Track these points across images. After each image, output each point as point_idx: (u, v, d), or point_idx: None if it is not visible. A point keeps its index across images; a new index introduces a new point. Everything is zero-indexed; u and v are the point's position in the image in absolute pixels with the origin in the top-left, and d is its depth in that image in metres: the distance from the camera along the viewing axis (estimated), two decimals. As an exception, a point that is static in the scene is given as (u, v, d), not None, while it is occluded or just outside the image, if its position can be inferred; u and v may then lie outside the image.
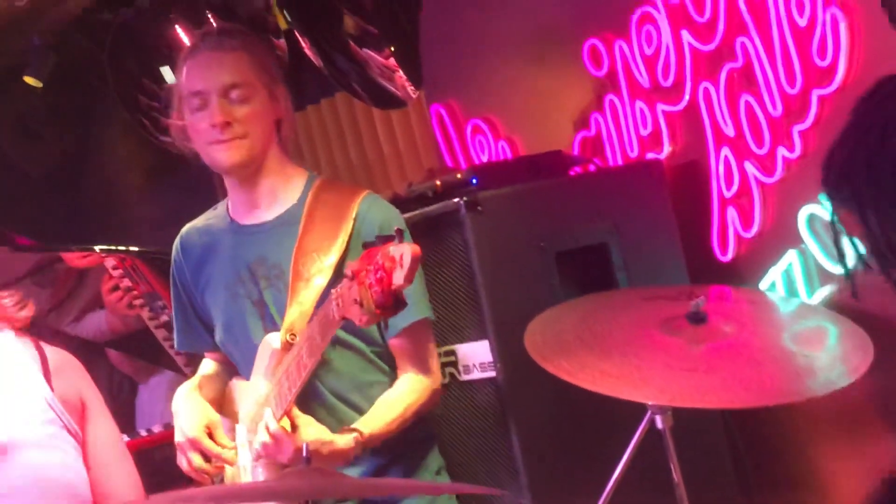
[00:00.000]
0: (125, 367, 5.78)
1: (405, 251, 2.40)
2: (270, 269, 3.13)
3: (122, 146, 6.71)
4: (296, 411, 2.90)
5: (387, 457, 3.08)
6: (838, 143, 1.97)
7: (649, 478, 3.12)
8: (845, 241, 1.99)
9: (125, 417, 5.72)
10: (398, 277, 2.40)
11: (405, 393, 3.08)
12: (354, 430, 2.94)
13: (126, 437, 4.66)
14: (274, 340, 3.03)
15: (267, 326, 3.13)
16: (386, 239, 2.46)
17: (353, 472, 2.96)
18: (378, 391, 3.10)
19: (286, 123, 3.19)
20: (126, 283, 5.03)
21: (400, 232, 2.45)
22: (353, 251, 3.04)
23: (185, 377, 4.38)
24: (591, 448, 3.41)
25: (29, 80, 5.96)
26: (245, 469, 3.14)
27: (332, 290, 2.66)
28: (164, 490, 4.49)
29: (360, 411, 3.07)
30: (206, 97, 3.07)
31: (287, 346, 2.98)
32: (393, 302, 2.43)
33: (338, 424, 2.99)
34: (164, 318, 4.92)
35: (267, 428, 2.89)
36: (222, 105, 3.06)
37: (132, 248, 4.98)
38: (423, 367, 3.13)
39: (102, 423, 3.28)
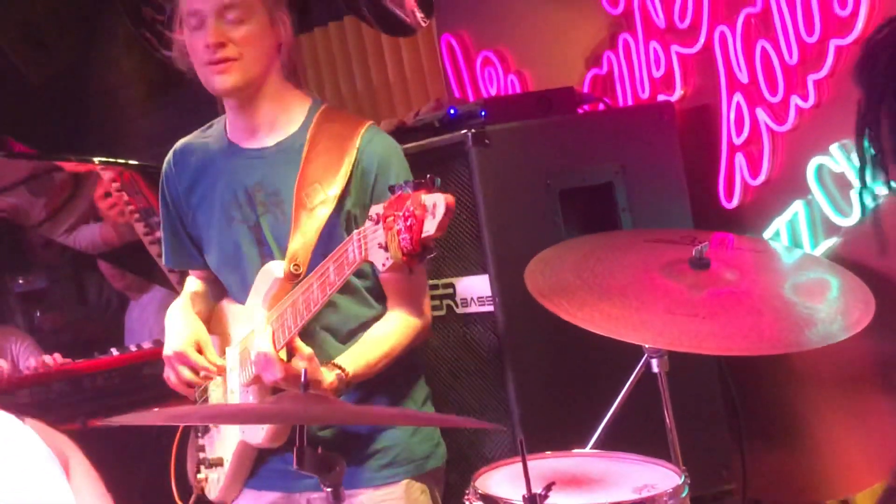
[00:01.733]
0: (117, 282, 5.77)
1: (438, 200, 2.36)
2: (269, 195, 3.09)
3: (125, 59, 6.67)
4: (298, 343, 2.87)
5: (370, 386, 3.05)
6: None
7: (642, 420, 3.13)
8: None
9: (115, 332, 5.73)
10: (430, 226, 2.37)
11: (393, 331, 3.06)
12: (339, 367, 2.93)
13: (115, 351, 4.68)
14: (276, 269, 2.99)
15: (263, 252, 3.11)
16: (417, 185, 2.42)
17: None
18: (367, 326, 3.08)
19: (287, 48, 3.13)
20: (123, 196, 5.00)
21: (433, 178, 2.41)
22: (354, 183, 3.02)
23: (178, 295, 4.37)
24: (585, 388, 3.40)
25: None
26: (233, 392, 3.12)
27: (355, 231, 2.62)
28: (151, 406, 4.52)
29: (348, 345, 3.05)
30: (203, 17, 3.01)
31: (290, 275, 2.95)
32: (421, 250, 2.40)
33: (323, 356, 2.97)
34: (160, 234, 4.89)
35: (260, 349, 2.87)
36: (218, 25, 3.00)
37: (131, 162, 4.95)
38: (415, 306, 3.10)
39: (86, 482, 3.21)
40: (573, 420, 3.26)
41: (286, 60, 3.14)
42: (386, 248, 2.48)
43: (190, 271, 3.41)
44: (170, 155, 3.31)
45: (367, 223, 2.56)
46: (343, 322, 3.08)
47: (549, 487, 2.20)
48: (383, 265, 2.51)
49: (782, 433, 3.86)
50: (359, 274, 3.06)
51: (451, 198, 2.38)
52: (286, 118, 3.13)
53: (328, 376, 2.89)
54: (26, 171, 5.10)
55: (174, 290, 4.96)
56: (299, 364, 2.84)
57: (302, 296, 2.84)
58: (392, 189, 2.50)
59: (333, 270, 2.73)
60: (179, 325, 3.18)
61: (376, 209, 2.52)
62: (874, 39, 2.99)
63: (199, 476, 3.24)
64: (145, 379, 4.53)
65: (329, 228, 2.96)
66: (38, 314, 6.01)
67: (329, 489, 2.24)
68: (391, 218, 2.45)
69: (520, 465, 2.38)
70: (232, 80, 3.02)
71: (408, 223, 2.40)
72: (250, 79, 3.04)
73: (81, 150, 5.70)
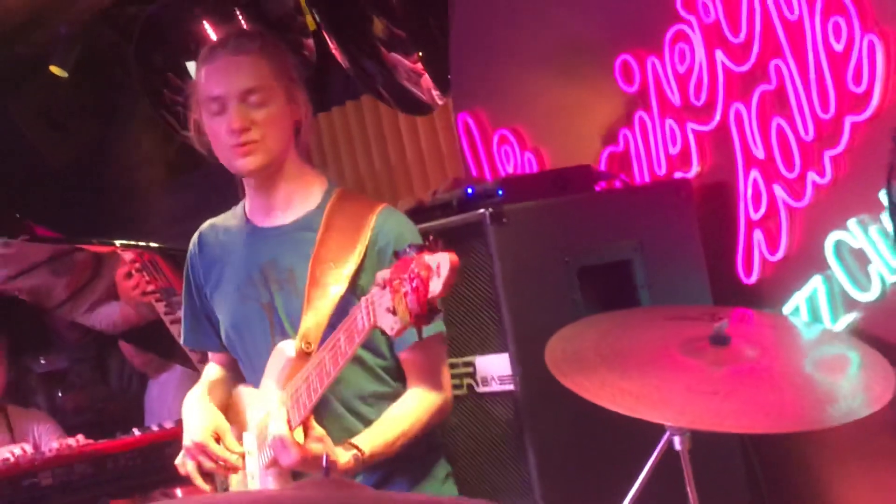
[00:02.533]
0: (137, 361, 5.79)
1: (442, 260, 2.38)
2: (282, 272, 3.12)
3: (145, 140, 6.72)
4: (312, 422, 2.88)
5: (391, 465, 3.06)
6: None
7: (665, 498, 3.10)
8: None
9: (135, 412, 5.74)
10: (435, 286, 2.39)
11: (412, 409, 3.06)
12: (355, 446, 2.93)
13: (137, 432, 4.68)
14: (288, 348, 3.00)
15: (275, 331, 3.12)
16: (420, 248, 2.44)
17: (356, 479, 2.93)
18: (385, 404, 3.08)
19: (305, 126, 3.17)
20: (144, 277, 5.03)
21: (436, 241, 2.43)
22: (368, 262, 3.04)
23: (199, 374, 4.37)
24: (607, 467, 3.38)
25: (54, 69, 5.97)
26: (253, 477, 3.12)
27: (363, 298, 2.64)
28: (174, 487, 4.51)
29: (367, 422, 3.05)
30: (225, 102, 3.05)
31: (302, 354, 2.96)
32: (428, 311, 2.42)
33: (343, 433, 2.97)
34: (180, 313, 4.91)
35: (276, 432, 2.87)
36: (240, 109, 3.04)
37: (151, 244, 4.98)
38: (434, 383, 3.10)
39: None
40: (595, 498, 3.24)
41: (304, 138, 3.18)
42: (394, 312, 2.49)
43: (209, 356, 3.42)
44: (195, 236, 3.35)
45: (374, 289, 2.58)
46: (359, 399, 3.09)
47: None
48: (392, 329, 2.53)
49: (806, 508, 3.84)
50: (375, 353, 3.07)
51: (454, 256, 2.40)
52: (303, 197, 3.16)
53: (343, 456, 2.89)
54: (48, 252, 5.14)
55: (195, 370, 4.97)
56: (314, 447, 2.84)
57: (315, 370, 2.84)
58: (396, 255, 2.52)
59: (344, 340, 2.74)
60: (198, 415, 3.19)
61: (382, 275, 2.54)
62: None
63: (222, 564, 3.23)
64: (168, 459, 4.50)
65: (342, 306, 2.97)
66: (60, 394, 6.02)
67: (352, 575, 2.22)
68: (397, 281, 2.46)
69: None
70: (256, 161, 3.06)
71: (413, 285, 2.41)
72: (272, 159, 3.08)
73: (101, 230, 5.74)
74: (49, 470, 4.43)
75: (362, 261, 3.03)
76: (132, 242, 4.93)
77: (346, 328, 2.73)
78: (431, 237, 2.46)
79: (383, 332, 2.60)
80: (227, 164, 3.11)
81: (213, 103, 3.08)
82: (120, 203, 6.97)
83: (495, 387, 3.52)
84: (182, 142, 5.05)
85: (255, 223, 3.21)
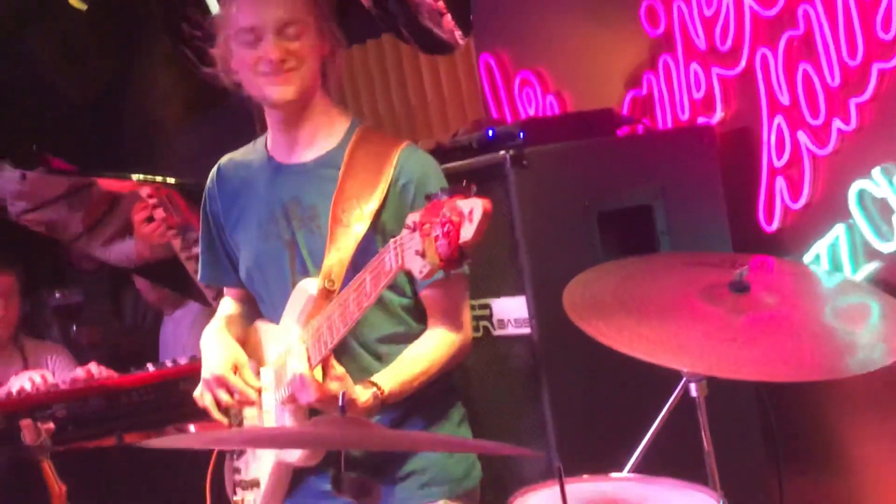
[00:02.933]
0: (151, 297, 5.79)
1: (476, 205, 2.36)
2: (305, 210, 3.10)
3: (164, 76, 6.69)
4: (332, 362, 2.87)
5: (407, 406, 3.05)
6: None
7: (679, 445, 3.09)
8: None
9: (149, 347, 5.74)
10: (467, 232, 2.37)
11: (432, 348, 3.05)
12: (375, 384, 2.92)
13: (151, 367, 4.68)
14: (311, 286, 2.99)
15: (297, 269, 3.11)
16: (452, 192, 2.42)
17: (373, 420, 2.92)
18: (404, 345, 3.07)
19: (333, 62, 3.15)
20: (160, 212, 5.01)
21: (469, 185, 2.40)
22: (390, 200, 3.02)
23: (213, 310, 4.36)
24: (622, 411, 3.38)
25: (74, 2, 5.92)
26: (269, 412, 3.11)
27: (391, 241, 2.62)
28: (188, 422, 4.52)
29: (387, 362, 3.04)
30: (260, 33, 3.03)
31: (325, 292, 2.95)
32: (459, 256, 2.39)
33: (361, 373, 2.96)
34: (196, 250, 4.89)
35: (296, 369, 2.86)
36: (277, 41, 3.02)
37: (169, 179, 4.96)
38: (455, 323, 3.09)
39: None
40: (610, 443, 3.23)
41: (331, 75, 3.15)
42: (423, 255, 2.47)
43: (225, 291, 3.41)
44: (214, 170, 3.33)
45: (404, 231, 2.56)
46: (377, 339, 3.07)
47: (588, 515, 2.18)
48: (420, 272, 2.51)
49: (820, 458, 3.83)
50: (397, 292, 3.06)
51: (487, 203, 2.37)
52: (326, 134, 3.14)
53: (363, 394, 2.89)
54: (64, 187, 5.12)
55: (210, 305, 4.97)
56: (333, 385, 2.84)
57: (338, 310, 2.83)
58: (428, 197, 2.50)
59: (370, 281, 2.72)
60: (217, 348, 3.18)
61: (413, 217, 2.52)
62: None
63: (235, 498, 3.24)
64: (181, 395, 4.52)
65: (365, 245, 2.96)
66: (75, 328, 6.03)
67: (366, 514, 2.22)
68: (428, 225, 2.44)
69: (556, 488, 2.36)
70: (290, 92, 3.04)
71: (445, 229, 2.39)
72: (305, 91, 3.07)
73: (120, 166, 5.72)
74: (63, 403, 4.43)
75: (385, 198, 3.01)
76: (149, 177, 4.91)
77: (372, 269, 2.71)
78: (465, 181, 2.44)
79: (410, 275, 2.58)
80: (259, 95, 3.09)
81: (247, 34, 3.05)
82: (138, 138, 6.95)
83: (511, 330, 3.51)
84: (201, 78, 5.01)
85: (278, 159, 3.19)
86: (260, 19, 3.03)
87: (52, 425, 3.77)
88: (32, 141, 5.01)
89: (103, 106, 6.79)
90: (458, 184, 2.45)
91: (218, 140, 3.73)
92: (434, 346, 3.05)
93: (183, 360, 4.75)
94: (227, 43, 3.11)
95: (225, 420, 3.20)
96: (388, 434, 2.65)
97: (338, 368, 2.87)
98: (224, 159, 3.34)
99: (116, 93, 6.85)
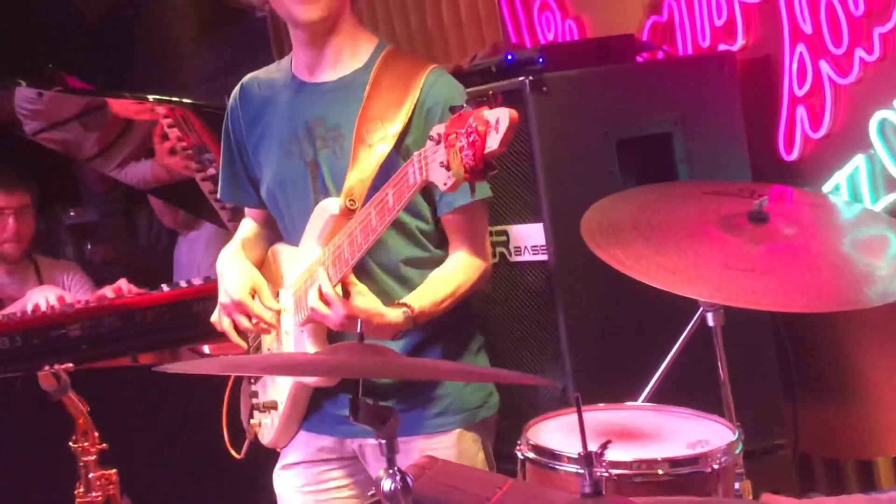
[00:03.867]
0: (166, 218, 5.79)
1: (502, 115, 2.33)
2: (329, 129, 3.08)
3: (179, -7, 6.63)
4: (352, 278, 2.87)
5: (426, 332, 3.05)
6: None
7: (695, 374, 3.10)
8: None
9: (164, 267, 5.75)
10: (493, 141, 2.34)
11: (457, 271, 3.04)
12: (405, 304, 2.92)
13: (166, 287, 4.70)
14: (332, 205, 2.98)
15: (318, 188, 3.09)
16: (479, 103, 2.39)
17: (393, 346, 2.92)
18: (425, 271, 3.07)
19: None
20: (175, 132, 5.00)
21: (495, 95, 2.38)
22: (415, 122, 3.00)
23: (228, 232, 4.36)
24: (638, 340, 3.38)
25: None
26: (288, 334, 3.12)
27: (415, 154, 2.60)
28: (202, 343, 4.54)
29: (407, 285, 3.04)
30: None
31: (346, 211, 2.93)
32: (484, 166, 2.37)
33: (382, 297, 2.95)
34: (212, 171, 4.90)
35: (320, 289, 2.86)
36: None
37: (184, 100, 4.94)
38: (478, 248, 3.08)
39: None
40: (626, 372, 3.24)
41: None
42: (448, 167, 2.45)
43: (246, 212, 3.40)
44: (237, 89, 3.31)
45: (429, 143, 2.54)
46: (396, 262, 3.06)
47: (605, 446, 2.18)
48: (445, 184, 2.49)
49: (835, 389, 3.83)
50: (417, 216, 3.05)
51: (514, 112, 2.34)
52: (352, 54, 3.12)
53: (393, 313, 2.89)
54: (79, 106, 5.11)
55: (224, 227, 4.97)
56: (359, 300, 2.84)
57: (359, 226, 2.81)
58: (453, 109, 2.47)
59: (393, 196, 2.70)
60: (234, 272, 3.18)
61: (437, 129, 2.50)
62: None
63: (252, 421, 3.25)
64: (196, 315, 4.54)
65: (387, 165, 2.94)
66: (89, 247, 6.03)
67: (383, 441, 2.23)
68: (453, 136, 2.42)
69: (572, 415, 2.36)
70: (317, 10, 3.01)
71: (470, 139, 2.36)
72: (332, 11, 3.03)
73: (134, 85, 5.69)
74: (78, 322, 4.45)
75: (409, 120, 2.99)
76: (165, 97, 4.90)
77: (395, 183, 2.69)
78: (492, 92, 2.41)
79: (434, 187, 2.56)
80: (285, 14, 3.06)
81: None
82: (153, 58, 6.90)
83: (528, 256, 3.51)
84: (216, -2, 4.98)
85: (302, 78, 3.17)
86: None
87: (70, 365, 3.78)
88: (46, 60, 4.99)
89: (119, 23, 6.74)
90: (478, 107, 2.43)
91: (234, 61, 3.72)
92: (461, 269, 3.05)
93: (197, 281, 4.77)
94: None
95: (244, 344, 3.21)
96: (406, 362, 2.66)
97: (359, 285, 2.88)
98: (247, 77, 3.31)
99: (132, 10, 6.80)
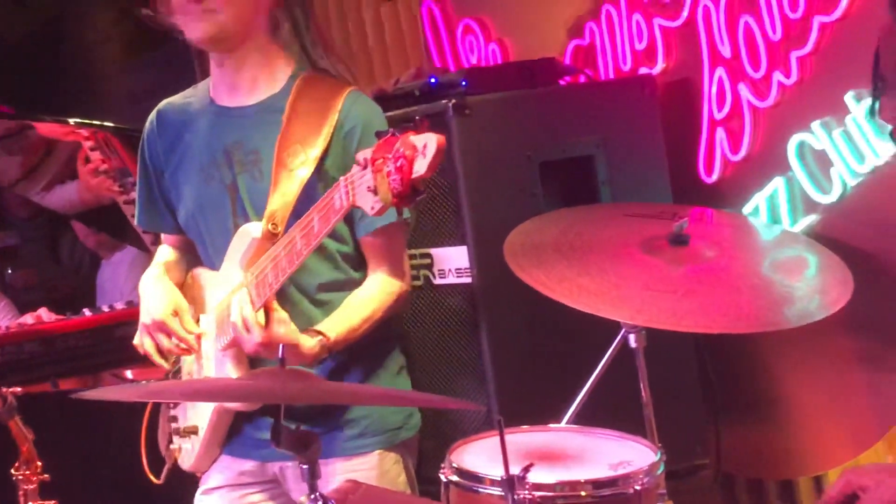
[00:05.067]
0: (90, 242, 5.73)
1: (429, 140, 2.33)
2: (247, 154, 3.06)
3: (102, 16, 6.59)
4: (275, 304, 2.86)
5: (345, 354, 3.03)
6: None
7: (618, 395, 3.12)
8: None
9: (86, 292, 5.69)
10: (421, 166, 2.34)
11: (375, 295, 3.03)
12: (320, 333, 2.91)
13: (88, 312, 4.64)
14: (254, 229, 2.96)
15: (238, 212, 3.07)
16: (405, 128, 2.39)
17: (312, 370, 2.91)
18: (342, 290, 3.05)
19: (288, 13, 3.09)
20: (98, 155, 4.96)
21: (422, 120, 2.38)
22: (334, 145, 2.99)
23: (150, 255, 4.33)
24: (562, 362, 3.40)
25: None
26: (209, 358, 3.09)
27: (341, 178, 2.59)
28: (124, 368, 4.49)
29: (325, 308, 3.03)
30: None
31: (269, 235, 2.91)
32: (411, 191, 2.37)
33: (300, 320, 2.94)
34: (134, 194, 4.86)
35: (241, 312, 2.84)
36: None
37: (106, 123, 4.91)
38: (396, 269, 3.07)
39: None
40: (549, 394, 3.25)
41: (287, 24, 3.10)
42: (375, 192, 2.44)
43: (162, 238, 3.38)
44: (153, 114, 3.28)
45: (354, 168, 2.53)
46: (317, 286, 3.05)
47: (527, 469, 2.18)
48: (372, 209, 2.47)
49: (757, 409, 3.87)
50: (337, 239, 3.04)
51: (441, 137, 2.34)
52: (268, 78, 3.10)
53: (309, 342, 2.87)
54: (1, 130, 5.05)
55: (147, 250, 4.93)
56: (278, 329, 2.82)
57: (283, 250, 2.79)
58: (379, 134, 2.46)
59: (318, 220, 2.68)
60: (156, 293, 3.15)
61: (364, 154, 2.48)
62: None
63: (171, 446, 3.22)
64: (118, 340, 4.49)
65: (308, 189, 2.93)
66: (10, 271, 5.96)
67: (305, 466, 2.21)
68: (380, 160, 2.41)
69: (495, 438, 2.36)
70: (207, 30, 2.97)
71: (398, 164, 2.35)
72: (228, 32, 3.00)
73: (57, 108, 5.64)
74: (-2, 348, 4.39)
75: (329, 143, 2.98)
76: (87, 121, 4.85)
77: (321, 208, 2.68)
78: (418, 117, 2.41)
79: (351, 222, 2.55)
80: (187, 33, 3.02)
81: None
82: (76, 81, 6.84)
83: (452, 279, 3.52)
84: (141, 20, 4.94)
85: (220, 103, 3.15)
86: None
87: (17, 389, 3.72)
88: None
89: (41, 46, 6.69)
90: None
91: (156, 83, 3.69)
92: (378, 292, 3.04)
93: (119, 305, 4.73)
94: None
95: (166, 364, 3.18)
96: (329, 387, 2.64)
97: (280, 312, 2.86)
98: (163, 104, 3.29)
99: (54, 32, 6.74)
